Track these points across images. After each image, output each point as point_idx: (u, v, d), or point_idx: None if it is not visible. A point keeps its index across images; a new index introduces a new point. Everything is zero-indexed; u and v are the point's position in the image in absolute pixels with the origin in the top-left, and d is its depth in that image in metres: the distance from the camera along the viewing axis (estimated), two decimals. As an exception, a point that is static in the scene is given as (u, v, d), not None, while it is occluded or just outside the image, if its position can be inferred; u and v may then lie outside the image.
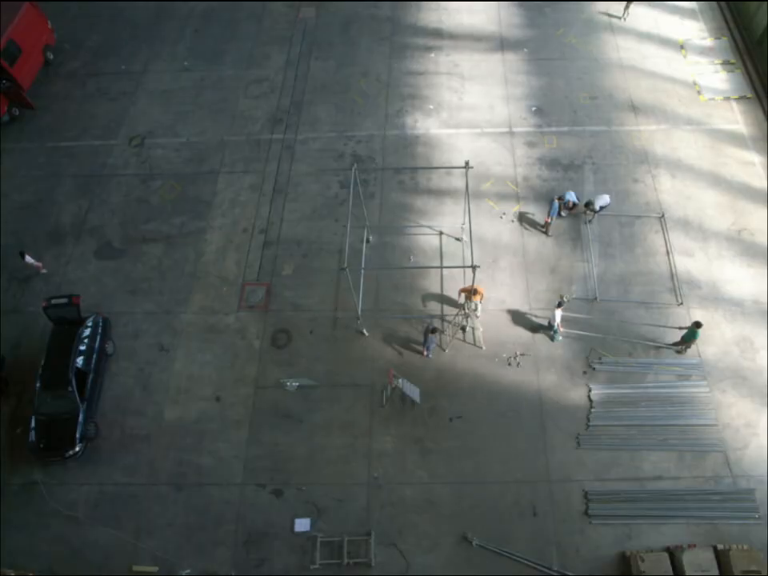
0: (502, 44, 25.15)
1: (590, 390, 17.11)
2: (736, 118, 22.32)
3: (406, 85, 24.11)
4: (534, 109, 23.09)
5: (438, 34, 25.65)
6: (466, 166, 16.34)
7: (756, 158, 21.29)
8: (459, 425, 16.79)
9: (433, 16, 26.31)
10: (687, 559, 14.15)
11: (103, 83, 25.17)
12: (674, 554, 14.53)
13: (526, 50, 24.92)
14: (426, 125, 22.95)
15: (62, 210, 21.57)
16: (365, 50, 25.44)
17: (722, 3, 25.80)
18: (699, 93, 23.11)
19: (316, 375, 17.55)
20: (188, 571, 15.21)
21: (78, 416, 16.58)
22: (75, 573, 15.46)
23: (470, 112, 23.15)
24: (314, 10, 26.95)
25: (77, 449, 16.44)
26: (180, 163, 22.47)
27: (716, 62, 23.99)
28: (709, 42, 24.62)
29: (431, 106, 23.39)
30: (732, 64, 23.85)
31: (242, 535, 15.71)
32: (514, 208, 18.82)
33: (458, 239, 19.63)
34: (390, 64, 24.83)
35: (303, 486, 16.23)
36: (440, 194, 21.07)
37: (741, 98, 22.82)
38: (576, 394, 17.13)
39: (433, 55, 24.98)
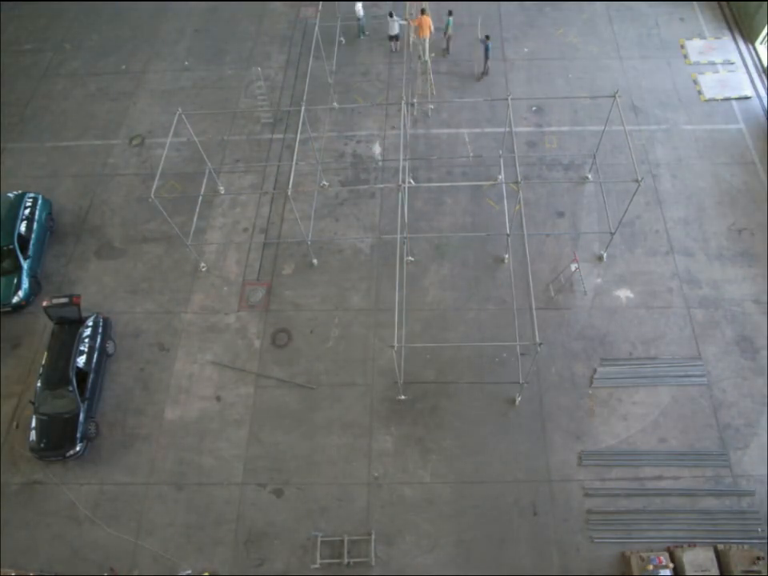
0: (502, 44, 25.14)
1: (590, 391, 17.13)
2: (736, 118, 22.33)
3: (407, 84, 24.06)
4: (534, 109, 23.08)
5: (437, 33, 25.60)
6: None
7: (756, 158, 21.28)
8: (459, 425, 16.80)
9: (433, 16, 26.23)
10: (687, 559, 14.16)
11: (103, 83, 25.18)
12: (674, 553, 14.54)
13: (526, 49, 24.92)
14: (426, 124, 22.94)
15: (62, 210, 21.57)
16: (365, 49, 25.45)
17: (722, 3, 25.81)
18: (699, 93, 23.10)
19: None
20: (188, 571, 15.21)
21: (79, 415, 16.59)
22: (75, 573, 15.47)
23: (470, 112, 23.15)
24: (314, 10, 26.90)
25: (77, 448, 16.43)
26: (180, 163, 22.47)
27: (716, 61, 23.99)
28: (709, 41, 24.63)
29: (432, 106, 23.37)
30: (732, 64, 23.86)
31: (242, 535, 15.72)
32: (516, 208, 18.78)
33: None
34: (390, 64, 24.82)
35: (303, 485, 16.25)
36: (440, 192, 21.08)
37: (741, 98, 22.83)
38: (576, 393, 17.14)
39: (433, 54, 24.93)
